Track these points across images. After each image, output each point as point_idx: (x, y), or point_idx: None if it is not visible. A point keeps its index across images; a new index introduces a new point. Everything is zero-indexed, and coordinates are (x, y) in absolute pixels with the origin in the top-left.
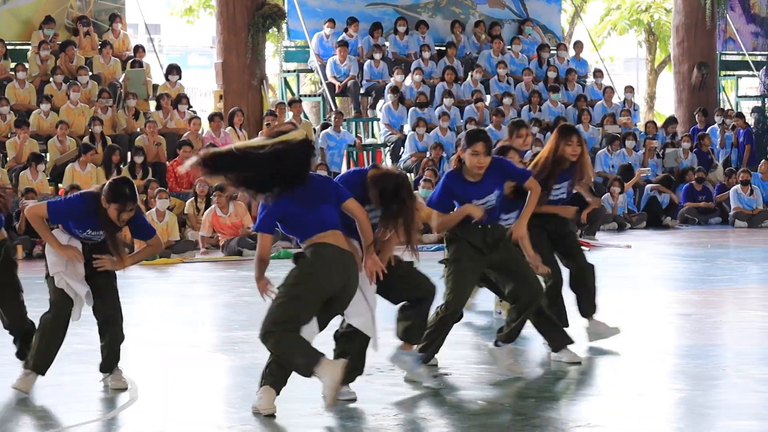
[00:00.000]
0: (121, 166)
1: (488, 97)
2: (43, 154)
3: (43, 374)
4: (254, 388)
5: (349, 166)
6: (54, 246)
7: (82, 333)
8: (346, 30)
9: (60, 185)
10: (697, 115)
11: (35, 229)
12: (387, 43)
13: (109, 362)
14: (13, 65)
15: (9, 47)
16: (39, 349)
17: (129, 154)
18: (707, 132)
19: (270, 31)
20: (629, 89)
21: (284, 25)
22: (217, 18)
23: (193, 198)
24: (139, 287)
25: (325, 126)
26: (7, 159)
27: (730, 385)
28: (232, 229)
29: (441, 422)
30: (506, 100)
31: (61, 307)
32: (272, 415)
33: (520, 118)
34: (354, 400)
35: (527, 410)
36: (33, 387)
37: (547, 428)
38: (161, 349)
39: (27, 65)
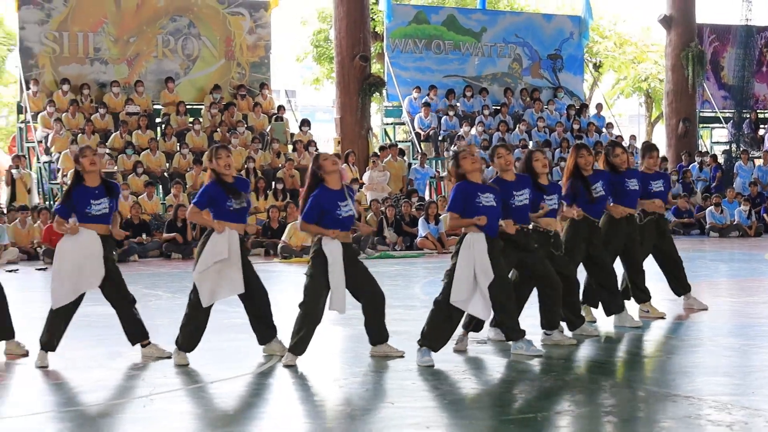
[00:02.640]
0: (267, 192)
1: (531, 143)
2: None
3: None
4: (362, 351)
5: (430, 193)
6: (212, 223)
7: (240, 310)
8: (428, 94)
9: None
10: (682, 156)
11: (197, 221)
12: (458, 104)
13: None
14: (191, 119)
15: (188, 106)
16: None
17: (273, 183)
18: (689, 168)
19: (374, 95)
20: (632, 137)
21: (384, 91)
22: (337, 86)
23: None
24: (283, 278)
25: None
26: (187, 186)
27: (706, 351)
28: None
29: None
30: (545, 147)
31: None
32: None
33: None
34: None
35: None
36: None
37: (590, 389)
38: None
39: (201, 119)
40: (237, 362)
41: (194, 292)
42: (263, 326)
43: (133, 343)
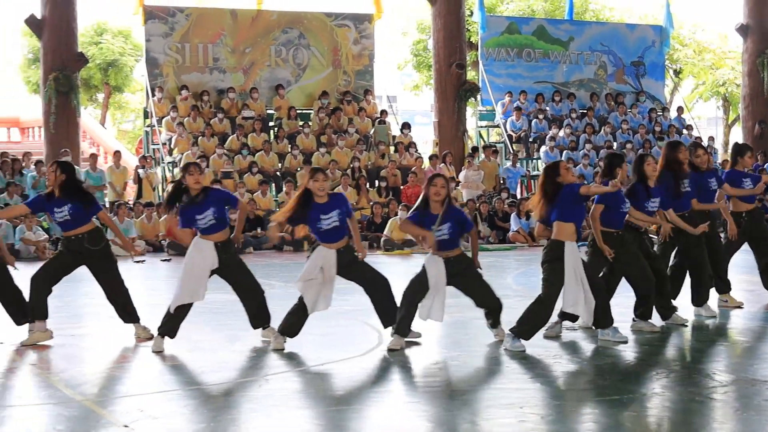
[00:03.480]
0: (369, 189)
1: (615, 144)
2: None
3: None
4: (460, 337)
5: (521, 190)
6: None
7: (349, 297)
8: (519, 99)
9: None
10: (758, 156)
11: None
12: (547, 108)
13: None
14: (301, 123)
15: (298, 111)
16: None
17: (376, 181)
18: (765, 167)
19: (469, 100)
20: (711, 139)
21: (479, 96)
22: (435, 91)
23: None
24: (386, 269)
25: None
26: (297, 184)
27: None
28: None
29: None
30: (628, 146)
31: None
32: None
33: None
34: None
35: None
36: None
37: (698, 377)
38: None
39: (310, 123)
40: (345, 346)
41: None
42: (386, 311)
43: (256, 328)
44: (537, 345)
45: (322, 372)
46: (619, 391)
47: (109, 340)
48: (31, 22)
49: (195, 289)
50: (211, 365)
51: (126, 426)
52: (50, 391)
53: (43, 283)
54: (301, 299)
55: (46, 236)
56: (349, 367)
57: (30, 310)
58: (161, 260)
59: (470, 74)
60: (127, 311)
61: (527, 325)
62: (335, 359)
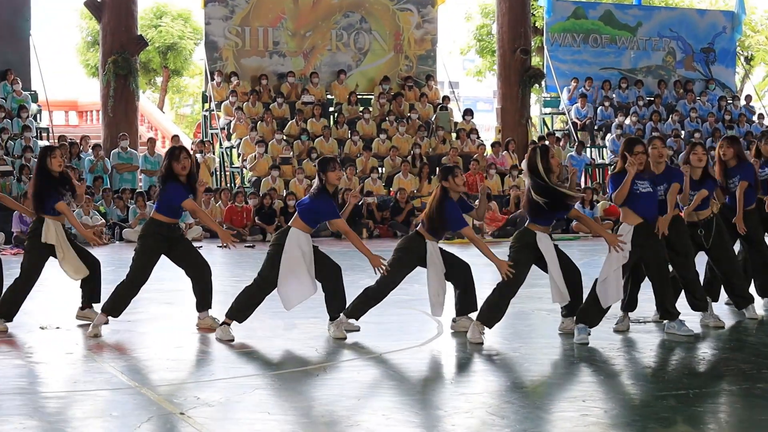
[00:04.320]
0: (431, 176)
1: (683, 132)
2: (380, 168)
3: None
4: (521, 328)
5: (586, 179)
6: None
7: (406, 287)
8: (585, 86)
9: (390, 188)
10: None
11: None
12: (614, 95)
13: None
14: (361, 109)
15: (359, 96)
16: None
17: (437, 168)
18: None
19: (533, 86)
20: None
21: (543, 83)
22: (498, 77)
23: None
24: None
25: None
26: (357, 170)
27: None
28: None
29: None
30: (696, 135)
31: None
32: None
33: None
34: None
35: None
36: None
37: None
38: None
39: (371, 108)
40: (403, 336)
41: (387, 278)
42: (464, 297)
43: (333, 318)
44: (601, 338)
45: (380, 361)
46: (684, 385)
47: (165, 327)
48: (91, 4)
49: (308, 286)
50: (268, 353)
51: (182, 413)
52: (106, 377)
53: (136, 289)
54: (378, 284)
55: (103, 221)
56: (408, 356)
57: (110, 307)
58: (218, 246)
59: (535, 60)
60: (205, 297)
61: (587, 311)
62: (393, 349)
